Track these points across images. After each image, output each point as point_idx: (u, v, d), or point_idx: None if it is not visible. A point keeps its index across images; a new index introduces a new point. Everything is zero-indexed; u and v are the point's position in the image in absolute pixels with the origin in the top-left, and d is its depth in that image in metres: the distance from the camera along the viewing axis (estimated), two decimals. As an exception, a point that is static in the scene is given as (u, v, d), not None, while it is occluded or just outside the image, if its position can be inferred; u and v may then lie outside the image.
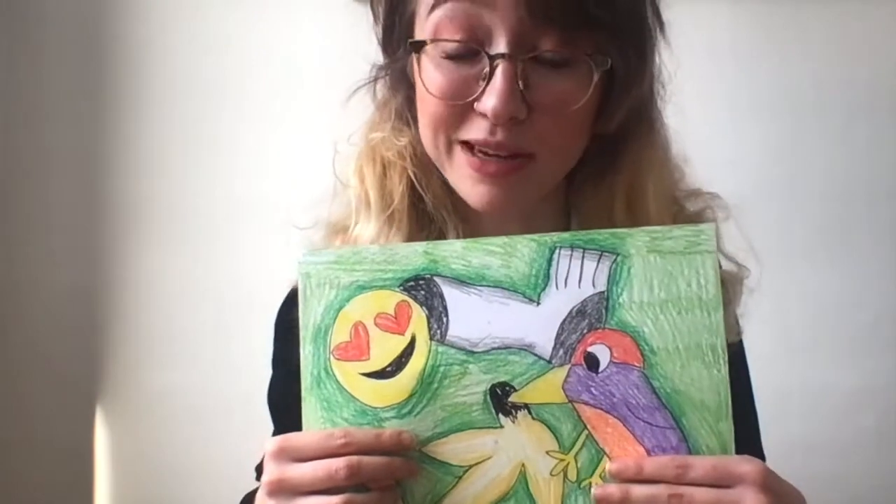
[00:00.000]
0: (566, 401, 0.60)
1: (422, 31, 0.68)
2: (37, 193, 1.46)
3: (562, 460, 0.60)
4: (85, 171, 1.45)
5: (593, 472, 0.60)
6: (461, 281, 0.61)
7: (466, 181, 0.68)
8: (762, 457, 0.83)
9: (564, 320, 0.60)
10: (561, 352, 0.60)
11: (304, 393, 0.62)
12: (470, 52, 0.65)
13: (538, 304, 0.61)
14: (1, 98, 1.45)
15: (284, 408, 0.83)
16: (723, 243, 0.77)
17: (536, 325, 0.60)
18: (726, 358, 0.59)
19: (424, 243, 0.63)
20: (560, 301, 0.60)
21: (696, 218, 0.77)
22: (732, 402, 0.77)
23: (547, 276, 0.61)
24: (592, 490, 0.59)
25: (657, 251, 0.60)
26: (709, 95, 1.36)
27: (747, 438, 0.81)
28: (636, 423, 0.59)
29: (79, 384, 1.45)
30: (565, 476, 0.60)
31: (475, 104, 0.65)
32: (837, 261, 1.39)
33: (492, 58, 0.64)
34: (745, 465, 0.58)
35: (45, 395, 1.47)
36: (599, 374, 0.60)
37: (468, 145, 0.67)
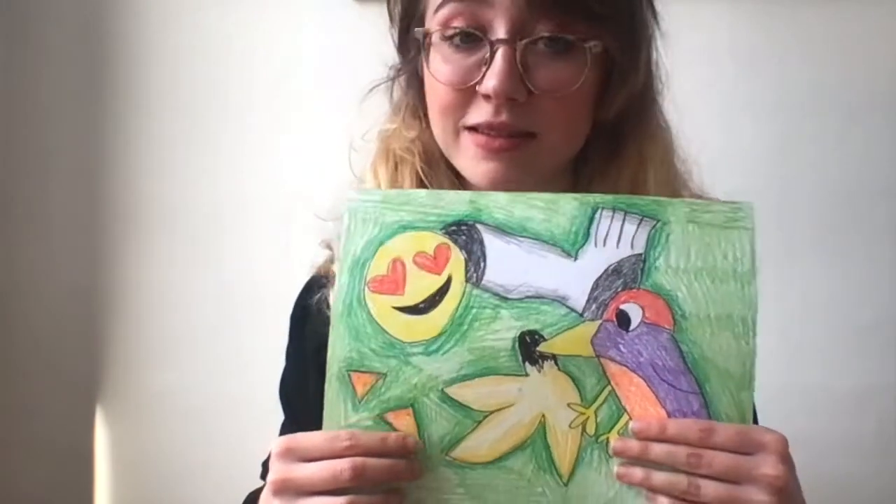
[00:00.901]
0: (593, 355, 0.61)
1: (428, 29, 0.74)
2: (37, 193, 1.46)
3: (582, 413, 0.61)
4: (85, 171, 1.45)
5: (612, 428, 0.60)
6: (502, 230, 0.62)
7: (472, 161, 0.72)
8: None
9: (600, 277, 0.61)
10: (594, 307, 0.61)
11: (333, 321, 0.63)
12: (473, 41, 0.71)
13: (576, 259, 0.62)
14: (1, 98, 1.45)
15: (297, 400, 0.85)
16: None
17: (572, 278, 0.61)
18: (756, 331, 0.60)
19: (470, 192, 0.64)
20: (597, 258, 0.61)
21: None
22: None
23: (587, 234, 0.62)
24: (611, 444, 0.60)
25: (696, 222, 0.61)
26: (708, 95, 1.36)
27: None
28: (660, 385, 0.60)
29: (79, 384, 1.46)
30: (584, 430, 0.61)
31: (477, 87, 0.70)
32: (837, 261, 1.39)
33: (492, 43, 0.69)
34: (767, 435, 0.59)
35: (45, 395, 1.47)
36: (629, 333, 0.60)
37: (473, 129, 0.72)
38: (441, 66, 0.72)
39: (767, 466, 0.57)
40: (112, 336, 1.46)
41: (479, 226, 0.63)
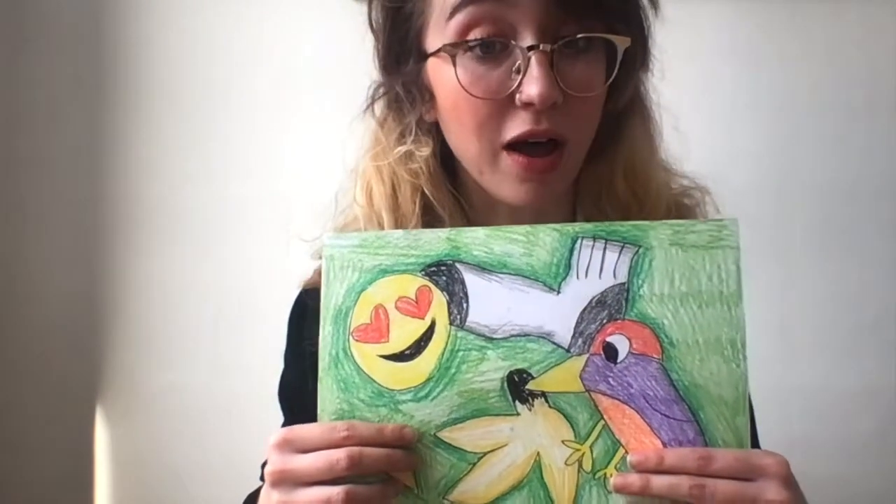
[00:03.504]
0: (583, 390, 0.60)
1: (439, 39, 0.70)
2: (36, 194, 1.46)
3: (577, 450, 0.60)
4: (84, 173, 1.45)
5: (609, 463, 0.60)
6: (482, 268, 0.61)
7: (514, 182, 0.70)
8: None
9: (584, 310, 0.60)
10: (580, 341, 0.60)
11: (321, 373, 0.62)
12: (497, 48, 0.68)
13: (558, 292, 0.61)
14: (1, 98, 1.45)
15: (296, 402, 0.84)
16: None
17: (556, 313, 0.60)
18: (746, 353, 0.59)
19: (448, 230, 0.63)
20: (580, 291, 0.60)
21: (688, 192, 0.81)
22: None
23: (568, 266, 0.61)
24: (611, 480, 0.59)
25: (679, 244, 0.60)
26: (708, 95, 1.36)
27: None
28: (653, 415, 0.59)
29: (79, 384, 1.45)
30: (580, 466, 0.60)
31: (517, 97, 0.68)
32: (837, 260, 1.39)
33: (524, 50, 0.67)
34: (767, 458, 0.58)
35: (46, 396, 1.47)
36: (618, 365, 0.60)
37: (512, 146, 0.69)
38: (469, 78, 0.68)
39: (770, 492, 0.57)
40: (112, 336, 1.46)
41: (458, 265, 0.62)
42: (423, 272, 0.62)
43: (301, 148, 1.41)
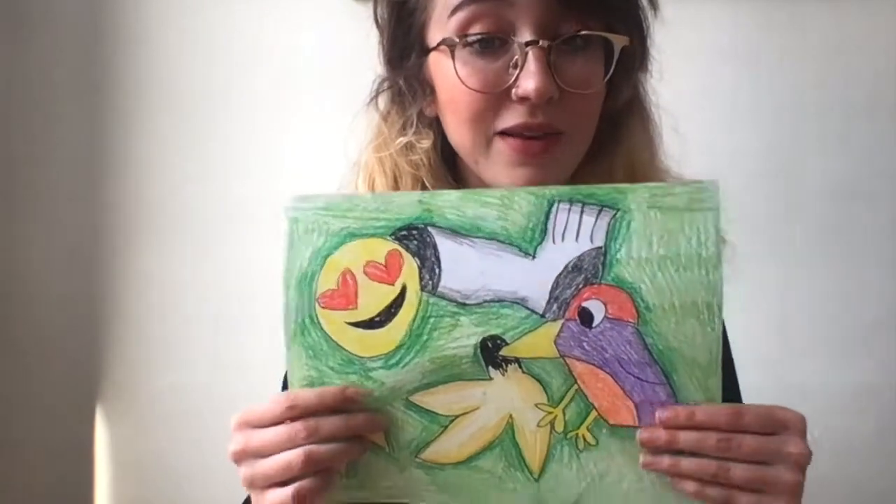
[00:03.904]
0: (558, 356, 0.59)
1: (440, 35, 0.72)
2: (37, 195, 1.46)
3: (550, 413, 0.60)
4: (84, 173, 1.45)
5: (581, 424, 0.60)
6: (455, 232, 0.60)
7: (506, 167, 0.71)
8: None
9: (560, 275, 0.59)
10: (555, 306, 0.59)
11: (287, 341, 0.61)
12: (494, 44, 0.70)
13: (534, 257, 0.59)
14: (1, 98, 1.45)
15: None
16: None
17: (531, 278, 0.59)
18: (721, 316, 0.58)
19: (419, 192, 0.62)
20: (556, 255, 0.59)
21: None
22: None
23: (544, 230, 0.59)
24: (638, 434, 0.59)
25: (658, 207, 0.59)
26: (709, 95, 1.36)
27: None
28: (626, 378, 0.59)
29: (79, 384, 1.45)
30: (552, 428, 0.60)
31: (512, 91, 0.69)
32: (837, 261, 1.39)
33: (522, 45, 0.68)
34: (789, 413, 0.60)
35: (46, 396, 1.47)
36: (593, 330, 0.59)
37: (505, 134, 0.70)
38: (467, 72, 0.70)
39: (792, 445, 0.58)
40: (112, 336, 1.45)
41: (430, 229, 0.60)
42: (393, 236, 0.60)
43: (301, 148, 1.41)
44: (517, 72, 0.69)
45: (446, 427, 0.61)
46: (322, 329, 0.61)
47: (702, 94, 1.34)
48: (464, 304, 0.59)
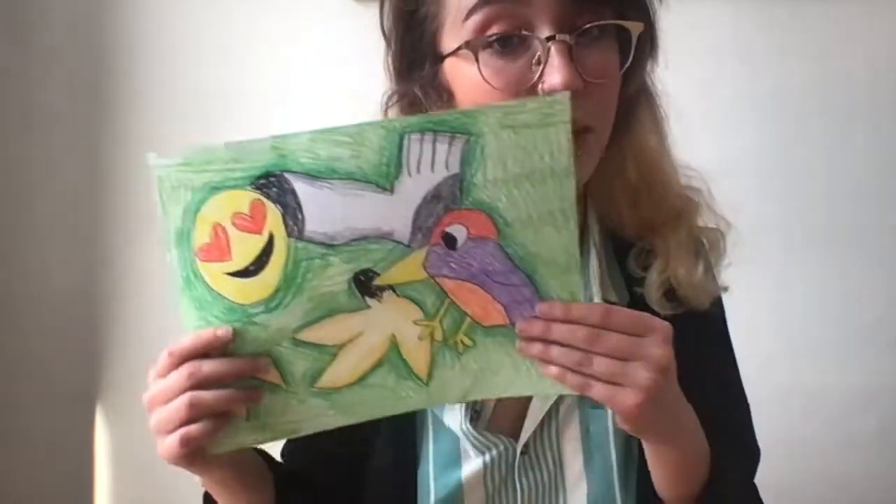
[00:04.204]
0: (428, 277, 0.62)
1: (456, 41, 0.72)
2: (36, 195, 1.46)
3: (428, 325, 0.63)
4: (84, 173, 1.46)
5: (458, 330, 0.63)
6: (312, 176, 0.60)
7: None
8: (755, 448, 0.84)
9: (420, 206, 0.60)
10: (419, 236, 0.61)
11: (177, 295, 0.63)
12: (515, 42, 0.70)
13: (392, 192, 0.60)
14: (1, 98, 1.45)
15: None
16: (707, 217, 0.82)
17: (392, 213, 0.60)
18: (576, 219, 0.61)
19: (271, 137, 0.60)
20: (414, 187, 0.60)
21: (691, 184, 0.82)
22: (717, 386, 0.79)
23: (399, 164, 0.59)
24: (518, 324, 0.62)
25: (511, 126, 0.59)
26: (709, 95, 1.36)
27: (735, 426, 0.82)
28: (493, 286, 0.62)
29: (79, 384, 1.46)
30: (432, 338, 0.63)
31: (539, 87, 0.69)
32: (838, 261, 1.39)
33: (543, 41, 0.68)
34: (655, 321, 0.63)
35: (46, 396, 1.47)
36: (457, 251, 0.61)
37: None
38: (491, 73, 0.70)
39: (654, 347, 0.61)
40: (112, 336, 1.46)
41: (287, 175, 0.59)
42: (252, 185, 0.60)
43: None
44: (541, 68, 0.69)
45: (335, 355, 0.63)
46: (204, 281, 0.62)
47: (702, 93, 1.34)
48: (332, 245, 0.61)
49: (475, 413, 0.78)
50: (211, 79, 1.43)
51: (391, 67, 0.79)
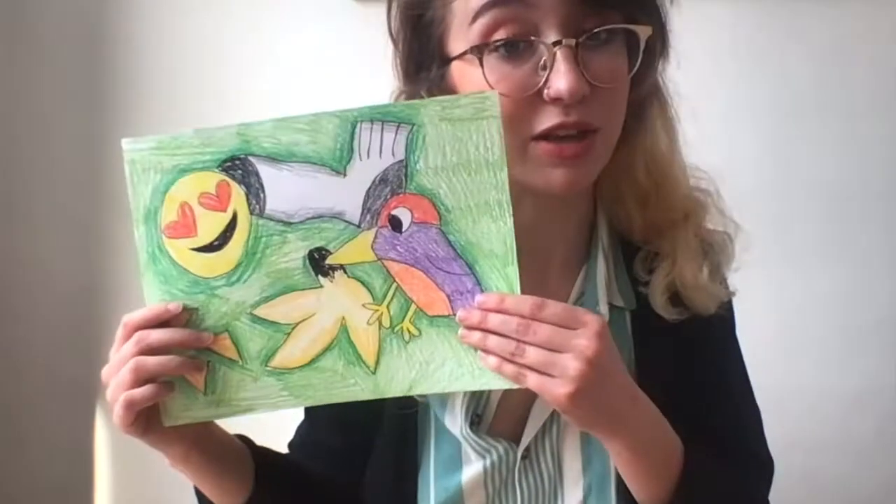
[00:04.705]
0: (376, 259, 0.67)
1: (463, 44, 0.72)
2: (37, 193, 1.46)
3: (376, 310, 0.67)
4: (84, 173, 1.46)
5: (404, 318, 0.67)
6: (273, 158, 0.66)
7: (545, 169, 0.72)
8: (767, 457, 0.84)
9: (369, 188, 0.66)
10: (368, 217, 0.66)
11: (142, 269, 0.68)
12: (521, 46, 0.70)
13: (345, 175, 0.66)
14: (1, 98, 1.45)
15: None
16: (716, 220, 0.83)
17: (344, 194, 0.66)
18: (511, 211, 0.65)
19: (237, 124, 0.67)
20: (364, 171, 0.66)
21: (700, 185, 0.82)
22: (719, 391, 0.80)
23: (351, 149, 0.66)
24: (458, 314, 0.66)
25: (448, 119, 0.65)
26: (709, 95, 1.36)
27: (744, 429, 0.82)
28: (437, 273, 0.67)
29: (79, 384, 1.46)
30: (380, 324, 0.68)
31: (544, 92, 0.70)
32: (837, 261, 1.40)
33: (549, 46, 0.69)
34: (588, 315, 0.65)
35: (46, 396, 1.47)
36: (403, 234, 0.67)
37: (541, 136, 0.71)
38: (497, 78, 0.70)
39: (583, 338, 0.63)
40: (112, 336, 1.45)
41: (251, 158, 0.66)
42: (219, 168, 0.66)
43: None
44: (547, 73, 0.69)
45: (289, 334, 0.68)
46: (170, 256, 0.67)
47: (702, 94, 1.33)
48: (289, 223, 0.67)
49: (476, 417, 0.78)
50: (211, 79, 1.44)
51: (399, 69, 0.79)
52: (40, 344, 1.47)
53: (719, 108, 1.37)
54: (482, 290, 0.66)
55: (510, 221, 0.65)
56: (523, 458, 0.77)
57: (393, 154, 0.66)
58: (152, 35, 1.45)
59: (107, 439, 1.47)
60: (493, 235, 0.66)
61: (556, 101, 0.69)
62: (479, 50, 0.70)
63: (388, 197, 0.66)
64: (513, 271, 0.66)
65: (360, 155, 0.66)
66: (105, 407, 1.46)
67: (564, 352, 0.63)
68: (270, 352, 0.68)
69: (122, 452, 1.46)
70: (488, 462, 0.77)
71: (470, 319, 0.65)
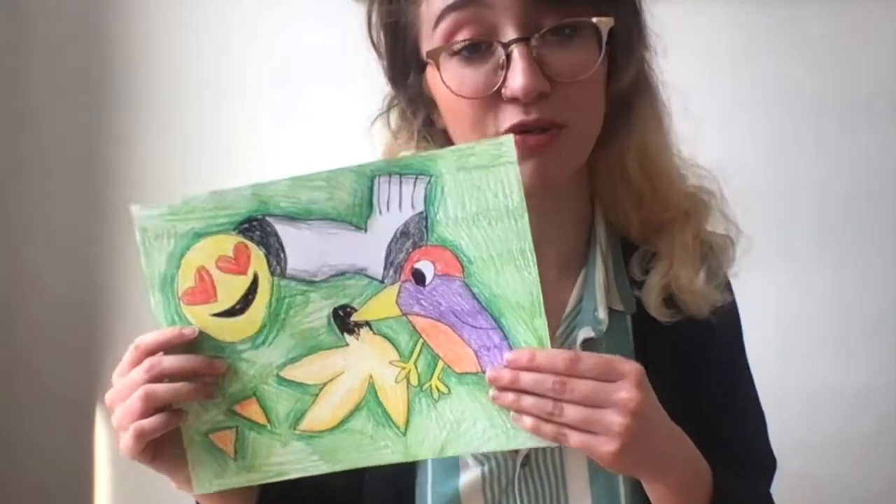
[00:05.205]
0: (401, 314, 0.65)
1: (430, 48, 0.72)
2: (36, 195, 1.46)
3: (403, 368, 0.66)
4: (84, 173, 1.46)
5: (432, 375, 0.65)
6: (291, 217, 0.65)
7: None
8: (771, 457, 0.83)
9: (391, 242, 0.65)
10: (391, 271, 0.65)
11: None
12: (483, 48, 0.70)
13: (365, 230, 0.65)
14: (1, 98, 1.45)
15: None
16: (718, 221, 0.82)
17: (366, 249, 0.65)
18: (535, 260, 0.63)
19: (251, 185, 0.65)
20: (385, 225, 0.65)
21: (703, 186, 0.82)
22: (723, 394, 0.79)
23: (370, 204, 0.64)
24: (487, 373, 0.63)
25: (465, 168, 0.64)
26: (708, 95, 1.35)
27: (745, 435, 0.82)
28: (463, 328, 0.65)
29: (79, 385, 1.45)
30: (408, 382, 0.66)
31: (502, 91, 0.69)
32: (837, 261, 1.39)
33: (505, 45, 0.68)
34: (626, 365, 0.63)
35: (46, 397, 1.47)
36: (426, 287, 0.65)
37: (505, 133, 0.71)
38: (457, 81, 0.70)
39: (623, 391, 0.61)
40: (112, 337, 1.45)
41: (268, 218, 0.65)
42: (236, 230, 0.65)
43: (301, 148, 1.41)
44: (504, 72, 0.69)
45: (316, 396, 0.66)
46: (190, 323, 0.66)
47: (701, 94, 1.33)
48: (312, 282, 0.65)
49: None
50: (211, 78, 1.43)
51: (386, 76, 0.80)
52: (40, 347, 1.47)
53: (718, 108, 1.36)
54: (510, 345, 0.64)
55: (535, 271, 0.63)
56: (522, 466, 0.76)
57: (413, 206, 0.64)
58: (153, 35, 1.45)
59: (106, 442, 1.47)
60: (519, 286, 0.63)
61: (513, 100, 0.69)
62: (436, 53, 0.70)
63: (411, 250, 0.64)
64: (541, 323, 0.63)
65: (379, 209, 0.64)
66: (104, 416, 1.46)
67: (606, 407, 0.61)
68: (299, 414, 0.66)
69: (121, 462, 1.45)
70: (486, 469, 0.76)
71: (501, 380, 0.63)
